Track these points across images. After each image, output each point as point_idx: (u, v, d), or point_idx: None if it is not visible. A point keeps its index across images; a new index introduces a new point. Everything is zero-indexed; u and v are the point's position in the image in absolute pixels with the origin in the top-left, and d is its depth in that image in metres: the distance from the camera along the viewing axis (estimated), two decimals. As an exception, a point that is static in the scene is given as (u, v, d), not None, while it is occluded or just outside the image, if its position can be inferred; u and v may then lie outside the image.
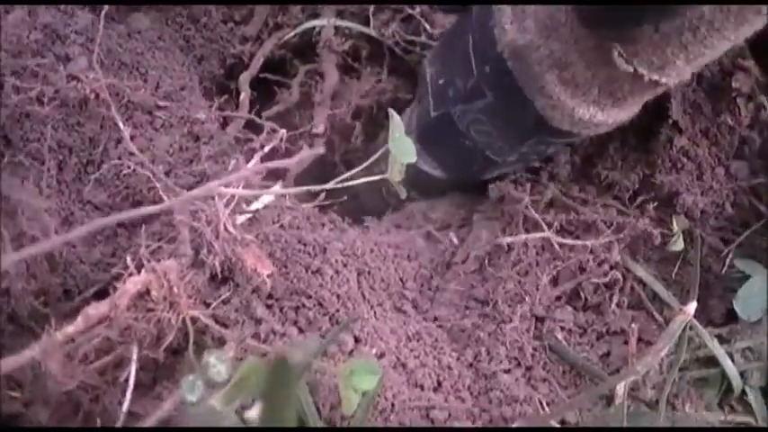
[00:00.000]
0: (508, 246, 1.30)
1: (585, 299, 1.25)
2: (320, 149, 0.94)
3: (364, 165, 1.01)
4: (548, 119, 1.14)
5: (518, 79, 1.12)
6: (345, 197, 1.15)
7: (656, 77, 1.02)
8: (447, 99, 1.25)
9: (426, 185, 1.43)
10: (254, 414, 0.70)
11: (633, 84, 1.06)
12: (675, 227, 1.26)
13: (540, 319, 1.24)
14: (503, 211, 1.36)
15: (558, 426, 1.09)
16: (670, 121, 1.30)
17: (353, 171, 1.00)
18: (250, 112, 1.43)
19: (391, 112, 0.98)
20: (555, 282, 1.26)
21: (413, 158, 0.99)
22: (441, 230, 1.41)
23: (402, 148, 0.97)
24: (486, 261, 1.32)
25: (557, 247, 1.26)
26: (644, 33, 0.96)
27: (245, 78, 1.50)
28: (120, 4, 1.31)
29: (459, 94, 1.22)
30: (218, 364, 0.88)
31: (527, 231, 1.30)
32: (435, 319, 1.26)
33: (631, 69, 1.00)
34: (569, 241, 1.26)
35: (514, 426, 1.09)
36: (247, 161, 1.20)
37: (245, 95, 1.46)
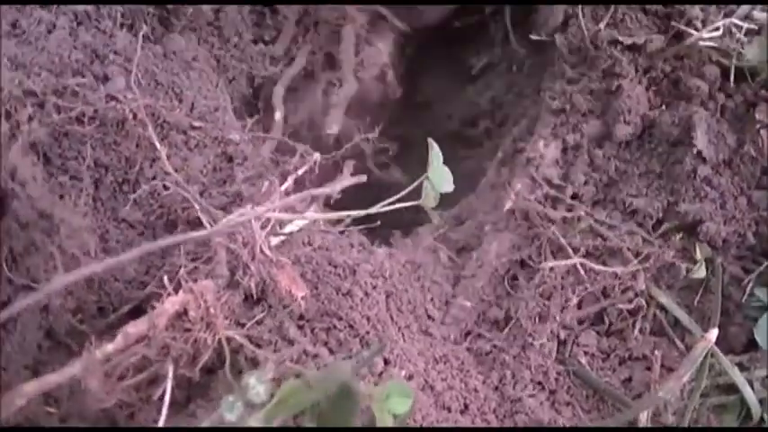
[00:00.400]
0: (525, 264, 1.33)
1: (609, 324, 1.27)
2: (363, 177, 0.95)
3: (400, 194, 1.02)
4: None
5: None
6: (378, 222, 1.16)
7: None
8: None
9: None
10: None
11: None
12: (698, 255, 1.28)
13: (563, 343, 1.26)
14: (519, 226, 1.38)
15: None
16: (695, 150, 1.31)
17: (389, 200, 1.02)
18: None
19: (430, 141, 1.00)
20: (579, 305, 1.28)
21: (450, 188, 1.00)
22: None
23: (440, 177, 0.99)
24: (505, 279, 1.34)
25: (582, 272, 1.27)
26: None
27: (278, 95, 1.52)
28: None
29: None
30: (257, 385, 0.90)
31: (552, 252, 1.32)
32: (444, 338, 1.28)
33: None
34: (596, 266, 1.28)
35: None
36: (281, 182, 1.21)
37: (279, 114, 1.48)
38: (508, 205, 1.38)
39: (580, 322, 1.28)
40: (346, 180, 0.95)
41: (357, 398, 0.55)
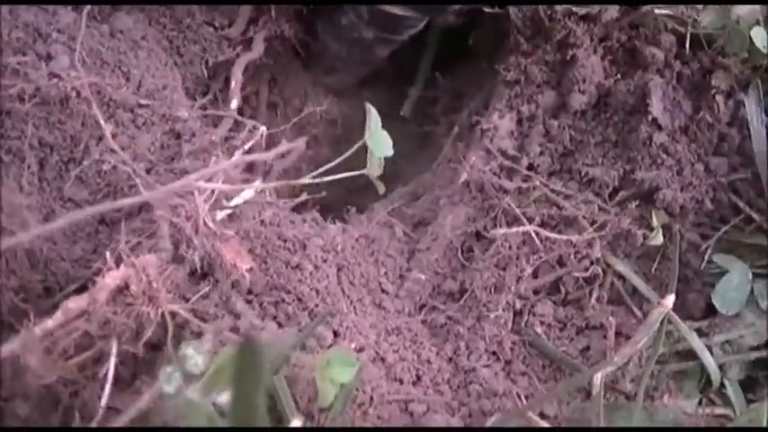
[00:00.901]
0: (481, 235, 1.32)
1: (566, 293, 1.26)
2: (301, 143, 0.94)
3: (340, 159, 1.01)
4: None
5: None
6: (324, 193, 1.15)
7: None
8: None
9: None
10: (224, 399, 0.71)
11: None
12: (655, 222, 1.27)
13: (518, 314, 1.25)
14: (474, 198, 1.37)
15: (536, 418, 1.09)
16: (650, 117, 1.30)
17: (329, 165, 1.01)
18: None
19: (368, 105, 0.98)
20: (535, 275, 1.27)
21: (390, 152, 0.99)
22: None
23: (379, 142, 0.97)
24: (460, 252, 1.33)
25: (537, 241, 1.26)
26: None
27: (239, 65, 1.50)
28: (108, 4, 1.31)
29: None
30: (195, 355, 0.89)
31: (507, 223, 1.31)
32: (398, 311, 1.26)
33: None
34: (552, 235, 1.27)
35: (493, 419, 1.09)
36: (229, 158, 1.20)
37: (235, 83, 1.47)
38: (463, 178, 1.36)
39: (536, 292, 1.27)
40: (283, 146, 0.93)
41: (259, 351, 0.54)
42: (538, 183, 1.34)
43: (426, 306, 1.29)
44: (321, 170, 1.00)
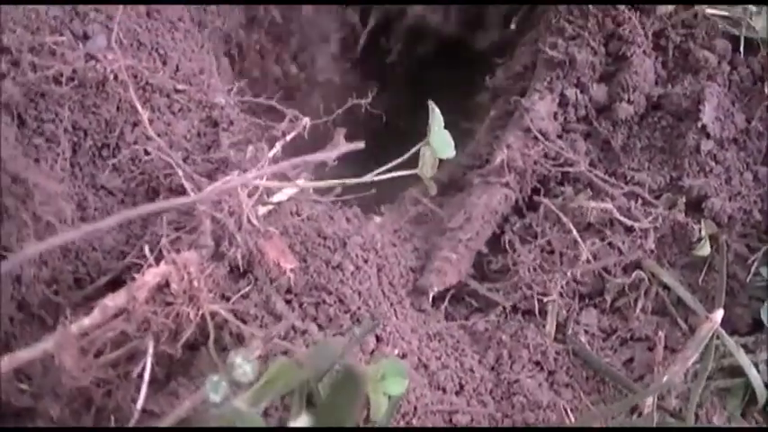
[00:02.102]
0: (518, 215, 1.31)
1: (613, 300, 1.23)
2: (361, 144, 0.90)
3: (398, 160, 0.97)
4: None
5: None
6: (373, 190, 1.10)
7: None
8: None
9: None
10: (300, 424, 0.66)
11: None
12: (703, 232, 1.23)
13: (562, 322, 1.21)
14: (511, 179, 1.32)
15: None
16: (699, 124, 1.27)
17: (385, 167, 0.97)
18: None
19: (431, 103, 0.94)
20: (576, 280, 1.24)
21: (452, 153, 0.95)
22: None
23: (441, 142, 0.93)
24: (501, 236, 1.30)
25: (581, 243, 1.23)
26: None
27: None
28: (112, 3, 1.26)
29: None
30: (244, 364, 0.85)
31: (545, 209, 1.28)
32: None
33: None
34: (596, 239, 1.23)
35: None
36: (270, 148, 1.16)
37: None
38: (499, 158, 1.30)
39: (580, 298, 1.23)
40: (343, 146, 0.89)
41: (361, 383, 0.50)
42: (583, 168, 1.30)
43: (456, 286, 1.25)
44: (377, 172, 0.96)
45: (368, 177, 0.96)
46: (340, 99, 1.31)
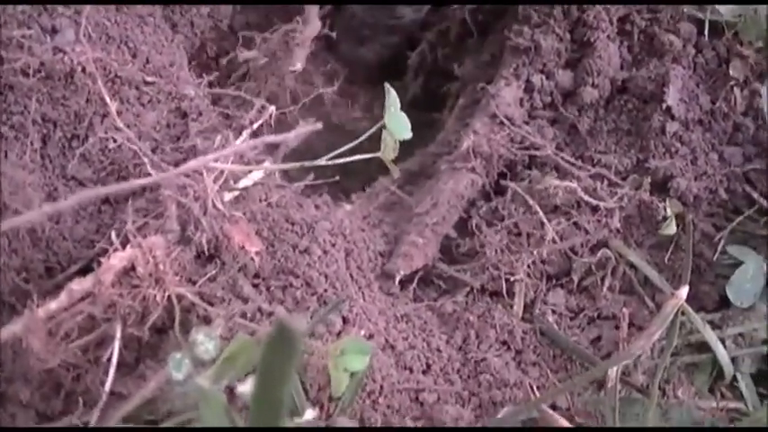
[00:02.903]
0: (484, 200, 1.32)
1: (580, 280, 1.25)
2: (318, 125, 0.91)
3: (356, 141, 0.98)
4: None
5: None
6: (337, 177, 1.12)
7: None
8: None
9: None
10: (245, 388, 0.68)
11: None
12: (669, 211, 1.24)
13: (529, 302, 1.23)
14: (478, 165, 1.33)
15: (549, 410, 1.07)
16: (664, 106, 1.28)
17: (344, 148, 0.98)
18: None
19: (387, 86, 0.95)
20: (543, 260, 1.25)
21: (409, 135, 0.96)
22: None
23: (398, 124, 0.95)
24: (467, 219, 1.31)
25: (546, 223, 1.24)
26: None
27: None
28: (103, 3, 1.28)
29: None
30: (206, 341, 0.86)
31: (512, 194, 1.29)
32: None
33: None
34: (563, 219, 1.25)
35: (504, 410, 1.07)
36: (237, 137, 1.17)
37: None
38: (466, 144, 1.32)
39: (547, 279, 1.25)
40: (302, 128, 0.91)
41: (296, 337, 0.51)
42: (549, 152, 1.31)
43: (422, 270, 1.26)
44: (335, 153, 0.97)
45: (324, 160, 0.98)
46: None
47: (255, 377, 0.56)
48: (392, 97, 0.95)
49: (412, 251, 1.23)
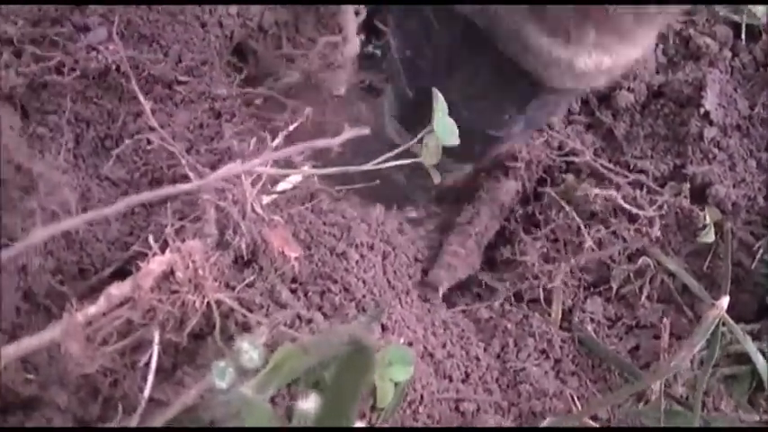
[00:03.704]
0: (525, 211, 1.31)
1: (618, 288, 1.23)
2: (365, 129, 0.89)
3: (403, 147, 0.96)
4: (543, 79, 0.93)
5: (491, 39, 0.90)
6: (378, 180, 1.09)
7: None
8: (420, 72, 1.06)
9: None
10: (308, 405, 0.66)
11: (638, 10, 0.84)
12: (707, 219, 1.23)
13: (567, 310, 1.21)
14: (517, 172, 1.32)
15: (591, 422, 1.05)
16: (702, 111, 1.27)
17: (390, 153, 0.96)
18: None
19: (435, 91, 0.93)
20: (582, 269, 1.24)
21: (456, 141, 0.94)
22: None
23: (445, 129, 0.92)
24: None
25: (585, 231, 1.23)
26: None
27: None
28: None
29: (433, 66, 1.01)
30: (251, 350, 0.84)
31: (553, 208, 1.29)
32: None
33: None
34: (602, 227, 1.23)
35: (546, 423, 1.06)
36: (272, 140, 1.15)
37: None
38: (505, 152, 1.31)
39: (585, 287, 1.23)
40: (347, 132, 0.89)
41: (372, 354, 0.49)
42: (588, 158, 1.30)
43: (466, 282, 1.27)
44: (379, 159, 0.95)
45: (369, 165, 0.96)
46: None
47: (325, 393, 0.55)
48: (440, 101, 0.92)
49: (455, 262, 1.22)
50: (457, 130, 0.94)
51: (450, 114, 0.94)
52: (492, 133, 1.10)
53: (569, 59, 0.88)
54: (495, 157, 1.30)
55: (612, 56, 0.90)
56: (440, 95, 0.93)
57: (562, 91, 0.98)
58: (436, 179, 1.03)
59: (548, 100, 1.02)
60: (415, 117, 1.03)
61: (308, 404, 0.63)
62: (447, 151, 0.99)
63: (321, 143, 0.87)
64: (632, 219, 1.24)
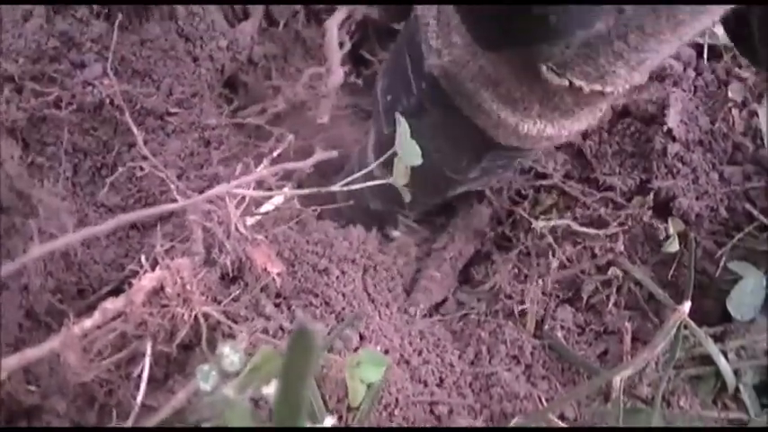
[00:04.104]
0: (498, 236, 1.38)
1: (588, 298, 1.30)
2: (334, 153, 0.97)
3: (370, 167, 1.03)
4: (493, 137, 1.04)
5: (452, 98, 1.02)
6: (351, 201, 1.17)
7: (598, 88, 0.89)
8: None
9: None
10: (270, 391, 0.73)
11: (575, 96, 0.93)
12: (672, 229, 1.29)
13: (539, 319, 1.28)
14: (489, 198, 1.41)
15: (557, 420, 1.11)
16: (665, 128, 1.33)
17: (358, 174, 1.03)
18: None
19: (397, 115, 1.01)
20: (555, 282, 1.31)
21: (419, 161, 1.01)
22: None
23: (409, 150, 1.00)
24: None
25: (555, 245, 1.30)
26: (555, 51, 0.84)
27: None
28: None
29: (407, 111, 1.08)
30: (231, 354, 0.91)
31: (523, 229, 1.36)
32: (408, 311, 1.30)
33: (566, 83, 0.88)
34: (569, 243, 1.30)
35: (514, 421, 1.12)
36: (257, 165, 1.23)
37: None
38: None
39: (556, 297, 1.30)
40: (318, 155, 0.96)
41: (313, 336, 0.56)
42: (557, 181, 1.37)
43: (443, 304, 1.34)
44: (349, 179, 1.03)
45: (338, 186, 1.03)
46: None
47: (279, 377, 0.62)
48: (403, 125, 1.00)
49: (431, 286, 1.30)
50: (419, 151, 1.02)
51: (422, 155, 1.03)
52: (451, 176, 1.21)
53: (515, 124, 1.00)
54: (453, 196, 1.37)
55: (555, 126, 1.01)
56: (402, 120, 1.00)
57: (511, 149, 1.08)
58: (406, 198, 1.10)
59: (500, 154, 1.13)
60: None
61: (270, 389, 0.70)
62: (418, 185, 1.08)
63: (292, 165, 0.95)
64: (596, 237, 1.30)
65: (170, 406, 0.96)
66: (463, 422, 1.11)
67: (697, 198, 1.32)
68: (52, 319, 1.08)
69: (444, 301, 1.34)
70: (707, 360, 1.23)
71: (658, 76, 1.40)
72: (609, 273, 1.29)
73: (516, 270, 1.32)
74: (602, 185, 1.37)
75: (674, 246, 1.28)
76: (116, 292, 1.12)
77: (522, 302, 1.28)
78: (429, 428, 1.10)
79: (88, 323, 0.98)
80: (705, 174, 1.34)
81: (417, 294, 1.29)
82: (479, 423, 1.13)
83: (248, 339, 1.01)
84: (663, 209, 1.33)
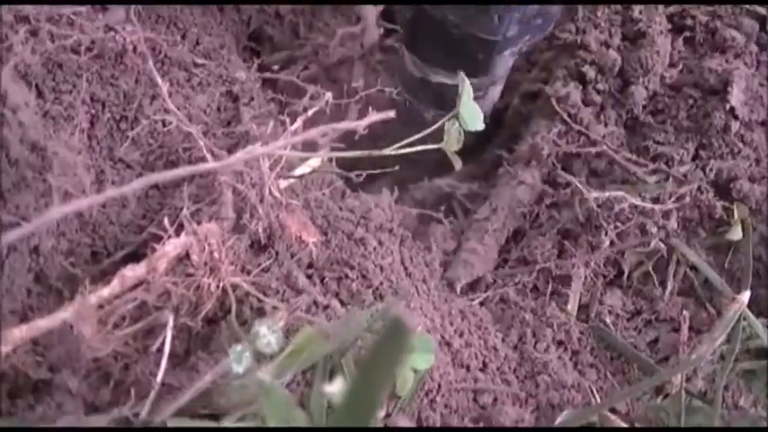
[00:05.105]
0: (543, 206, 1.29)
1: (637, 281, 1.22)
2: (391, 113, 0.87)
3: (426, 131, 0.94)
4: None
5: None
6: (398, 166, 1.08)
7: None
8: None
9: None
10: (334, 389, 0.64)
11: None
12: (736, 215, 1.21)
13: (585, 303, 1.19)
14: (536, 166, 1.32)
15: (611, 416, 1.03)
16: (727, 106, 1.25)
17: (410, 139, 0.94)
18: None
19: (461, 74, 0.91)
20: (603, 262, 1.22)
21: (482, 126, 0.92)
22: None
23: (471, 114, 0.91)
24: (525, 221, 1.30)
25: (605, 224, 1.21)
26: None
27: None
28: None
29: None
30: (269, 334, 0.82)
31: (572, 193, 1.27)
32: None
33: None
34: (622, 219, 1.21)
35: (564, 414, 1.04)
36: (291, 124, 1.13)
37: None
38: (526, 145, 1.30)
39: (604, 278, 1.21)
40: (373, 116, 0.86)
41: (409, 334, 0.48)
42: (605, 148, 1.29)
43: (483, 279, 1.25)
44: (402, 143, 0.93)
45: (389, 150, 0.94)
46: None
47: (357, 373, 0.53)
48: (466, 86, 0.91)
49: (472, 259, 1.21)
50: (482, 115, 0.93)
51: (443, 26, 0.96)
52: (488, 38, 1.14)
53: None
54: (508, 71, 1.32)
55: None
56: (466, 80, 0.92)
57: None
58: (457, 165, 1.01)
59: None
60: (415, 37, 1.14)
61: (335, 387, 0.61)
62: (455, 64, 1.03)
63: (344, 125, 0.85)
64: (651, 212, 1.22)
65: (196, 387, 0.87)
66: (510, 412, 1.02)
67: (757, 181, 1.24)
68: (63, 285, 0.98)
69: (482, 277, 1.24)
70: (761, 353, 1.15)
71: (720, 47, 1.31)
72: (660, 254, 1.20)
73: (561, 246, 1.23)
74: (655, 157, 1.28)
75: (736, 233, 1.21)
76: (133, 255, 1.03)
77: (568, 283, 1.19)
78: (470, 429, 1.02)
79: (105, 292, 0.89)
80: (766, 157, 1.26)
81: (458, 268, 1.20)
82: (526, 414, 1.04)
83: (287, 318, 0.92)
84: (721, 190, 1.24)
